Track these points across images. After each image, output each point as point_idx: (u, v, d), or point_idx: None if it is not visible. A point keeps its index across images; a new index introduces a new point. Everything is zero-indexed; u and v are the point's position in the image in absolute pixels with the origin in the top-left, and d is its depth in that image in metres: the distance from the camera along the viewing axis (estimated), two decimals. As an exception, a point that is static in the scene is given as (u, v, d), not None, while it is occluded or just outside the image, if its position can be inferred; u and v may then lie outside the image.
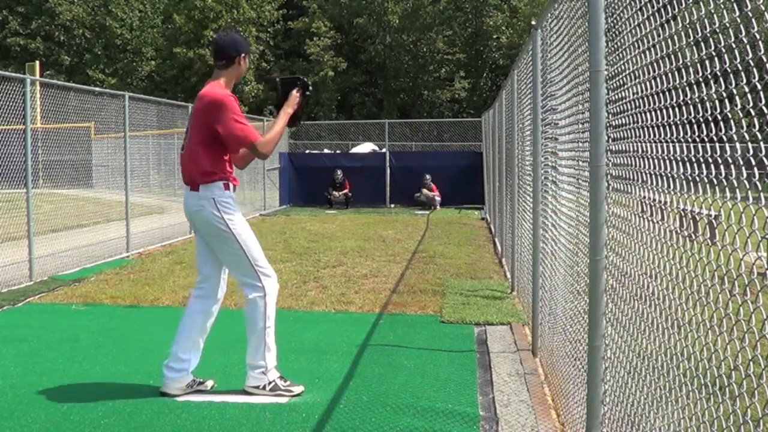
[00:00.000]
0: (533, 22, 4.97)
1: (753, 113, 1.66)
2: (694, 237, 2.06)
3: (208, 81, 4.09)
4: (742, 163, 1.74)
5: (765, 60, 1.59)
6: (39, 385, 4.28)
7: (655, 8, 2.24)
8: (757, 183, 1.71)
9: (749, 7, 1.66)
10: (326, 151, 23.68)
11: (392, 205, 18.68)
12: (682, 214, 2.15)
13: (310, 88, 4.16)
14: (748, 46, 1.67)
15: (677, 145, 2.07)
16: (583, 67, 3.17)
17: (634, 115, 2.52)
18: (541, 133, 4.81)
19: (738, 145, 1.75)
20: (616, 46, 2.77)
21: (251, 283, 3.99)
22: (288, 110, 4.05)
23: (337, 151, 24.07)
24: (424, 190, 17.86)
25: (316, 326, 5.77)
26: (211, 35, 35.97)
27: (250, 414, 3.79)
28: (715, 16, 1.82)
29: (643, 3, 2.37)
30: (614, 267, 2.74)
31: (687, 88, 2.02)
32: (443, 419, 3.72)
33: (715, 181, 1.83)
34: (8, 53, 39.28)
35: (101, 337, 5.46)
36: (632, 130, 2.55)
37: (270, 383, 4.02)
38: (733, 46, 1.75)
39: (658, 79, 2.26)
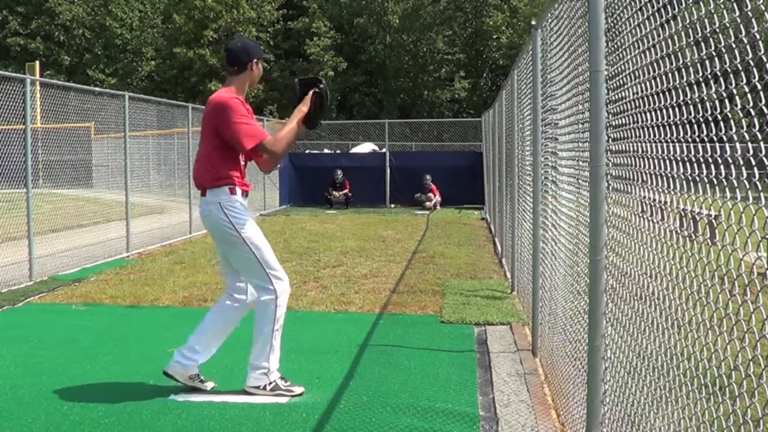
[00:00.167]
0: (533, 22, 4.97)
1: (753, 113, 1.66)
2: (694, 237, 2.05)
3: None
4: (742, 163, 1.74)
5: (765, 60, 1.59)
6: (39, 385, 4.28)
7: (655, 8, 2.24)
8: (757, 183, 1.71)
9: (749, 7, 1.66)
10: (326, 151, 23.69)
11: (392, 205, 18.68)
12: (682, 214, 2.15)
13: (321, 86, 4.08)
14: (748, 46, 1.67)
15: (677, 145, 2.07)
16: (583, 67, 3.17)
17: (634, 115, 2.52)
18: (541, 133, 4.81)
19: (738, 145, 1.75)
20: (616, 46, 2.76)
21: (263, 286, 3.98)
22: (302, 108, 4.04)
23: (337, 151, 24.08)
24: (423, 196, 17.83)
25: (316, 326, 5.77)
26: (211, 35, 36.03)
27: (250, 414, 3.79)
28: (715, 16, 1.82)
29: (643, 3, 2.37)
30: (614, 267, 2.74)
31: (687, 88, 2.02)
32: (443, 419, 3.72)
33: (715, 181, 1.83)
34: (8, 53, 39.30)
35: (101, 337, 5.46)
36: (632, 130, 2.55)
37: (271, 383, 4.02)
38: (733, 46, 1.75)
39: (658, 79, 2.26)
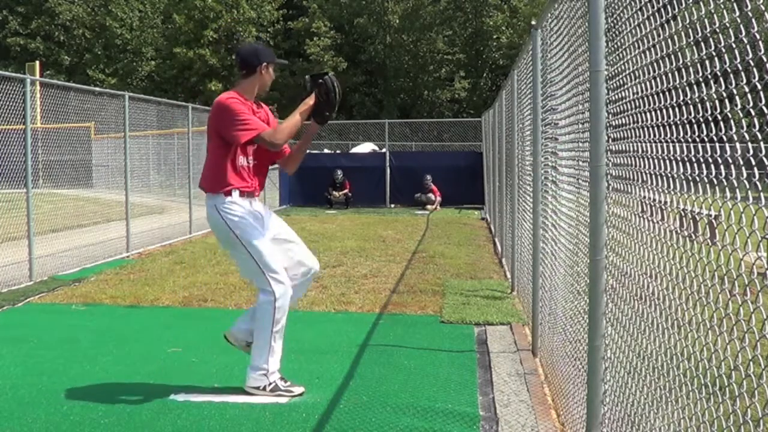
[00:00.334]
0: (533, 22, 4.97)
1: (753, 113, 1.66)
2: (694, 237, 2.05)
3: None
4: (742, 163, 1.74)
5: (765, 60, 1.59)
6: (39, 385, 4.28)
7: (655, 8, 2.24)
8: (757, 183, 1.71)
9: (749, 7, 1.66)
10: (326, 151, 23.68)
11: (392, 205, 18.68)
12: (682, 214, 2.15)
13: (326, 77, 4.02)
14: (748, 46, 1.67)
15: (677, 145, 2.07)
16: (583, 67, 3.17)
17: (634, 115, 2.52)
18: (541, 133, 4.81)
19: (738, 145, 1.75)
20: (616, 46, 2.76)
21: (262, 288, 3.97)
22: (308, 101, 4.03)
23: (337, 151, 24.07)
24: (423, 196, 17.83)
25: (316, 326, 5.77)
26: (211, 35, 36.03)
27: (250, 414, 3.79)
28: (715, 16, 1.82)
29: (643, 3, 2.37)
30: (614, 267, 2.74)
31: (687, 88, 2.02)
32: (443, 419, 3.72)
33: (715, 181, 1.83)
34: (8, 53, 39.29)
35: (101, 337, 5.46)
36: (632, 130, 2.55)
37: (270, 384, 4.01)
38: (733, 46, 1.75)
39: (658, 79, 2.26)
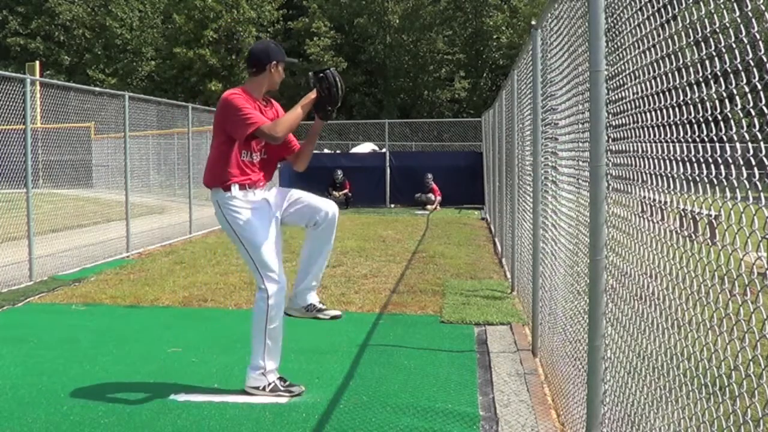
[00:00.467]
0: (533, 22, 4.97)
1: (753, 113, 1.66)
2: (694, 237, 2.05)
3: None
4: (742, 163, 1.74)
5: (765, 60, 1.59)
6: (39, 385, 4.28)
7: (655, 8, 2.24)
8: (757, 183, 1.71)
9: (749, 7, 1.66)
10: (326, 151, 23.68)
11: (392, 205, 18.68)
12: (682, 214, 2.15)
13: (327, 71, 4.02)
14: (748, 46, 1.67)
15: (677, 145, 2.07)
16: (583, 67, 3.17)
17: (634, 115, 2.52)
18: (541, 133, 4.81)
19: (738, 145, 1.75)
20: (616, 46, 2.76)
21: (258, 285, 4.00)
22: (310, 95, 4.04)
23: (337, 151, 24.07)
24: (423, 196, 17.83)
25: (316, 326, 5.76)
26: (211, 35, 36.02)
27: (250, 414, 3.79)
28: (715, 16, 1.82)
29: (643, 3, 2.37)
30: (614, 267, 2.74)
31: (687, 88, 2.02)
32: (443, 419, 3.72)
33: (715, 181, 1.83)
34: (8, 53, 39.29)
35: (101, 337, 5.46)
36: (632, 130, 2.55)
37: (270, 384, 4.02)
38: (733, 46, 1.75)
39: (658, 79, 2.26)
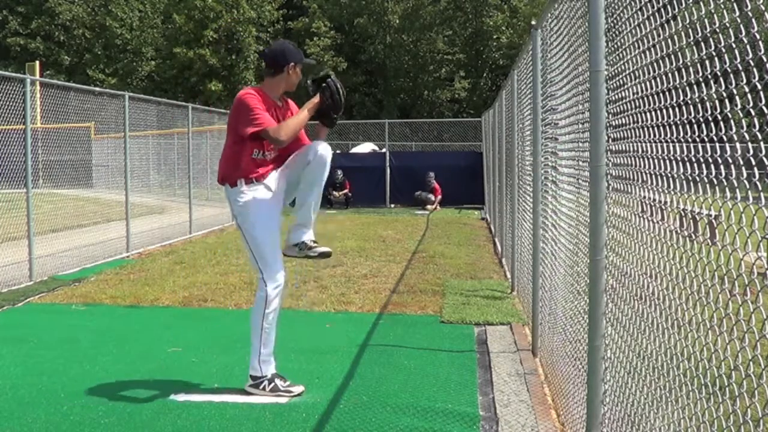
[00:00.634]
0: (533, 22, 4.97)
1: (753, 113, 1.66)
2: (694, 237, 2.05)
3: None
4: (742, 163, 1.74)
5: (765, 60, 1.59)
6: (39, 385, 4.28)
7: (655, 8, 2.24)
8: (757, 183, 1.71)
9: (749, 7, 1.66)
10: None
11: (392, 205, 18.68)
12: (682, 214, 2.15)
13: (329, 79, 4.04)
14: (748, 46, 1.67)
15: (677, 145, 2.07)
16: (583, 67, 3.17)
17: (634, 115, 2.52)
18: (541, 133, 4.81)
19: (738, 145, 1.75)
20: (616, 46, 2.76)
21: (258, 281, 4.06)
22: (314, 100, 4.06)
23: (337, 151, 24.05)
24: (424, 194, 17.83)
25: (316, 326, 5.77)
26: (211, 35, 36.01)
27: (250, 414, 3.79)
28: (715, 16, 1.82)
29: (643, 3, 2.37)
30: (614, 267, 2.74)
31: (687, 88, 2.02)
32: (443, 419, 3.72)
33: (715, 181, 1.83)
34: (8, 53, 39.29)
35: (101, 337, 5.46)
36: (632, 130, 2.55)
37: (270, 384, 4.02)
38: (733, 46, 1.75)
39: (658, 79, 2.26)
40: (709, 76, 1.86)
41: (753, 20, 1.66)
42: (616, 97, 2.77)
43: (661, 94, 2.22)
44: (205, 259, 9.42)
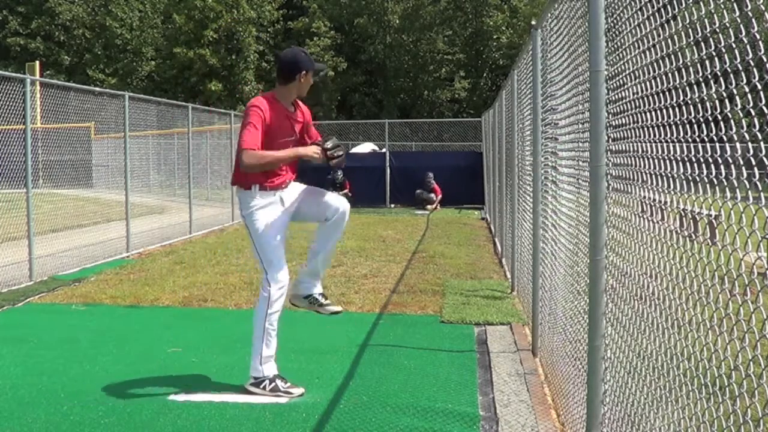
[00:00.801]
0: (533, 22, 4.97)
1: (753, 113, 1.66)
2: (694, 237, 2.05)
3: None
4: (742, 163, 1.74)
5: (765, 60, 1.59)
6: (39, 385, 4.28)
7: (655, 8, 2.24)
8: (757, 183, 1.71)
9: (749, 7, 1.66)
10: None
11: (392, 205, 18.68)
12: (682, 214, 2.15)
13: (327, 143, 4.18)
14: (748, 46, 1.67)
15: (677, 145, 2.07)
16: (583, 67, 3.17)
17: (634, 115, 2.52)
18: (541, 133, 4.81)
19: (738, 145, 1.75)
20: (616, 46, 2.76)
21: (262, 282, 4.10)
22: (308, 153, 4.11)
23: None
24: (424, 194, 17.83)
25: (316, 326, 5.77)
26: (211, 35, 36.01)
27: (250, 414, 3.79)
28: (715, 16, 1.82)
29: (643, 3, 2.37)
30: (614, 267, 2.74)
31: (687, 88, 2.02)
32: (443, 419, 3.72)
33: (715, 181, 1.83)
34: (8, 53, 39.28)
35: (101, 337, 5.46)
36: (632, 130, 2.55)
37: (271, 383, 4.02)
38: (733, 46, 1.75)
39: (658, 79, 2.26)
40: (709, 76, 1.86)
41: (753, 20, 1.66)
42: (616, 97, 2.77)
43: (661, 94, 2.22)
44: (205, 259, 9.42)
